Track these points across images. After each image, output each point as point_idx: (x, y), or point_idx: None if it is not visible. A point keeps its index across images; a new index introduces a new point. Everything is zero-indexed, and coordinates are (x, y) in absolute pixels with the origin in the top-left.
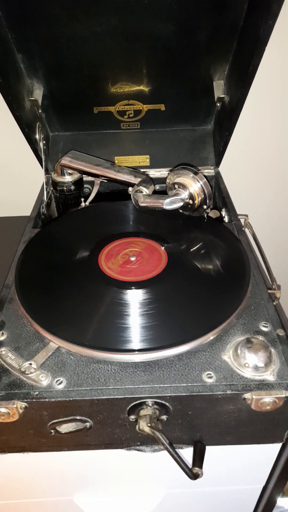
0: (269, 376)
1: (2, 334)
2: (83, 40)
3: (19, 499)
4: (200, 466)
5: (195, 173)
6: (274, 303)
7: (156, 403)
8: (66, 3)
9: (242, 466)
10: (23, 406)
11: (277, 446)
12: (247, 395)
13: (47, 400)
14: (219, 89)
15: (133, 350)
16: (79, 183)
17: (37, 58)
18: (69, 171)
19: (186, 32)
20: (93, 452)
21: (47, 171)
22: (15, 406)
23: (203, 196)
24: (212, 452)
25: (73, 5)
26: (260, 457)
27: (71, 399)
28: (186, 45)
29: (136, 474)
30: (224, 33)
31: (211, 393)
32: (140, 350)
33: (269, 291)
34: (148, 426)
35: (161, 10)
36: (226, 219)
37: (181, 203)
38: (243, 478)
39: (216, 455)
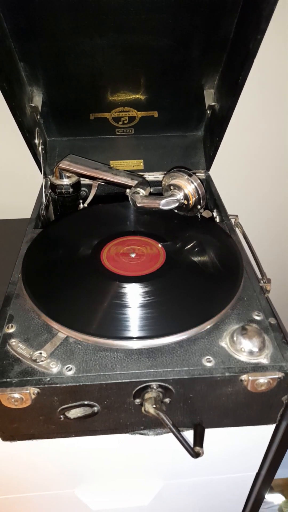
0: (263, 359)
1: (12, 326)
2: (83, 52)
3: (21, 493)
4: (201, 446)
5: (190, 175)
6: (266, 296)
7: (160, 386)
8: (69, 18)
9: (236, 452)
10: (36, 391)
11: (270, 430)
12: (243, 377)
13: (58, 385)
14: (209, 97)
15: (138, 338)
16: (77, 186)
17: (38, 68)
18: (68, 174)
19: (180, 45)
20: (95, 444)
21: (45, 175)
22: (28, 391)
23: (197, 196)
24: (207, 438)
25: (76, 20)
26: (254, 441)
27: (81, 383)
28: (179, 57)
29: (136, 466)
30: (215, 47)
31: (211, 375)
32: (143, 337)
33: (260, 284)
34: (153, 407)
35: (157, 26)
36: (217, 219)
37: (177, 204)
38: (238, 464)
39: (211, 441)
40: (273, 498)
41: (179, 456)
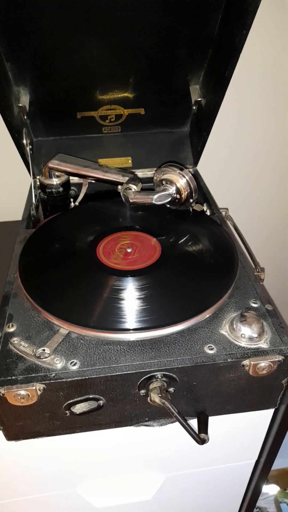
0: (263, 344)
1: (12, 325)
2: (71, 50)
3: (24, 496)
4: (206, 433)
5: (181, 169)
6: (261, 284)
7: (164, 375)
8: (56, 16)
9: (236, 439)
10: (42, 387)
11: (269, 415)
12: (245, 362)
13: (64, 380)
14: (195, 93)
15: (140, 329)
16: (66, 185)
17: (25, 67)
18: (57, 173)
19: (165, 42)
20: (99, 438)
21: (33, 175)
22: (34, 388)
23: (189, 190)
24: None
25: (63, 18)
26: (253, 427)
27: (86, 377)
28: (165, 54)
29: (138, 460)
30: (201, 43)
31: (214, 362)
32: (145, 329)
33: (254, 273)
34: (159, 396)
35: (143, 23)
36: (208, 213)
37: (169, 198)
38: (238, 452)
39: (212, 430)
40: (269, 489)
41: (180, 447)
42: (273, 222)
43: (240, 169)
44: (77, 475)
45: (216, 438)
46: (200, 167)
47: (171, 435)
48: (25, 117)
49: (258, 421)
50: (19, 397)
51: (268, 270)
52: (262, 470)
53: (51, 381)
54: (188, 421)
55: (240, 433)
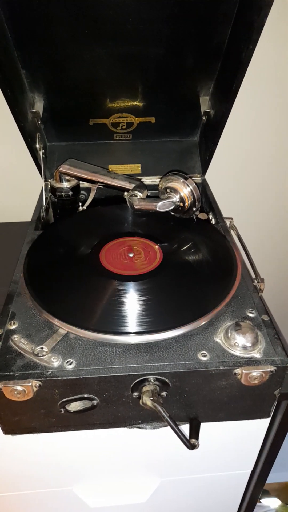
0: (256, 354)
1: (14, 323)
2: (83, 60)
3: (21, 490)
4: (197, 438)
5: (185, 178)
6: (259, 294)
7: (157, 379)
8: (68, 28)
9: (232, 448)
10: (38, 384)
11: (265, 425)
12: (237, 370)
13: (59, 378)
14: (205, 104)
15: (136, 333)
16: (76, 189)
17: (39, 75)
18: (67, 177)
19: (176, 54)
20: (94, 438)
21: (45, 179)
22: (30, 384)
23: (192, 199)
24: (203, 434)
25: (75, 29)
26: (249, 437)
27: (81, 376)
28: (175, 66)
29: (133, 462)
30: (210, 56)
31: (206, 369)
32: (141, 333)
33: (254, 283)
34: (151, 399)
35: (153, 35)
36: (213, 222)
37: (173, 206)
38: (233, 461)
39: (207, 438)
40: (270, 502)
41: (176, 452)
42: (278, 233)
43: (248, 180)
44: (74, 474)
45: (211, 446)
46: (208, 176)
47: (167, 439)
48: (39, 123)
49: (254, 431)
50: (15, 392)
51: (272, 281)
52: (258, 480)
53: (47, 378)
54: (180, 426)
55: (236, 442)
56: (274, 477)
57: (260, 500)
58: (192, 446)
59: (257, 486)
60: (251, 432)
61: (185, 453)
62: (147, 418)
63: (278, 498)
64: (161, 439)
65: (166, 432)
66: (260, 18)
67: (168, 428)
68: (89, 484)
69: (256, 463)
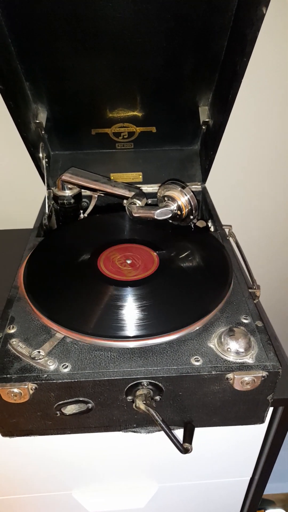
0: (249, 359)
1: (13, 327)
2: (84, 72)
3: (21, 494)
4: (190, 442)
5: (183, 187)
6: (255, 301)
7: (150, 383)
8: (70, 40)
9: (230, 456)
10: (34, 387)
11: (262, 432)
12: (229, 375)
13: (54, 381)
14: (204, 114)
15: (130, 338)
16: (78, 197)
17: (42, 86)
18: (69, 186)
19: (174, 66)
20: (90, 443)
21: (48, 187)
22: (26, 387)
23: (190, 207)
24: (201, 441)
25: (76, 42)
26: (246, 444)
27: (76, 380)
28: (174, 77)
29: (131, 467)
30: (207, 67)
31: (198, 373)
32: (136, 337)
33: (250, 290)
34: (144, 403)
35: (152, 47)
36: (212, 229)
37: (170, 214)
38: (231, 468)
39: (205, 445)
40: None
41: (174, 458)
42: (278, 241)
43: (247, 188)
44: (73, 479)
45: (209, 453)
46: (208, 184)
47: (165, 445)
48: (43, 132)
49: (251, 437)
50: (12, 395)
51: (271, 288)
52: (257, 488)
53: (43, 381)
54: (175, 430)
55: (234, 449)
56: (280, 487)
57: (266, 511)
58: (185, 450)
59: (256, 493)
60: (249, 439)
61: (183, 459)
62: (141, 422)
63: (284, 509)
64: (159, 444)
65: (163, 438)
66: (252, 32)
67: (163, 432)
68: (88, 489)
69: (255, 470)
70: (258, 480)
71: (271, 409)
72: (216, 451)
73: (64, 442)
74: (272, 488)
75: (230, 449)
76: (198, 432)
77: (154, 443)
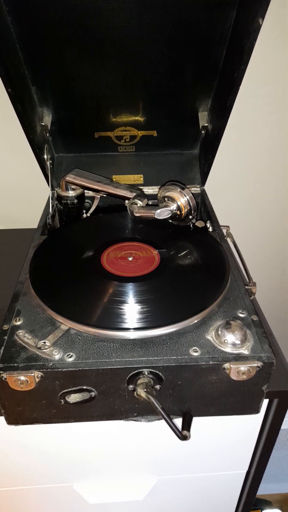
0: (245, 351)
1: (19, 319)
2: (88, 77)
3: (22, 485)
4: (188, 430)
5: (182, 188)
6: (251, 298)
7: (151, 372)
8: (75, 48)
9: (227, 448)
10: (39, 375)
11: (258, 424)
12: (226, 365)
13: (59, 370)
14: (203, 119)
15: (132, 329)
16: (81, 197)
17: (48, 91)
18: (73, 186)
19: (175, 73)
20: (93, 438)
21: (52, 187)
22: (32, 375)
23: (189, 208)
24: (199, 433)
25: (82, 49)
26: (243, 435)
27: (80, 369)
28: (175, 83)
29: (131, 458)
30: (207, 74)
31: (197, 363)
32: (137, 329)
33: (247, 287)
34: (145, 391)
35: (154, 55)
36: (210, 229)
37: (170, 214)
38: (228, 461)
39: (203, 437)
40: None
41: (173, 451)
42: (274, 240)
43: (245, 190)
44: (75, 471)
45: (206, 446)
46: (207, 187)
47: (164, 437)
48: (47, 135)
49: (247, 430)
50: (19, 382)
51: (268, 285)
52: (253, 481)
53: (48, 370)
54: (173, 419)
55: (230, 442)
56: (277, 488)
57: (262, 511)
58: (183, 437)
59: (252, 487)
60: (245, 431)
61: (181, 452)
62: (142, 411)
63: (280, 510)
64: (158, 437)
65: (162, 430)
66: (249, 42)
67: (163, 423)
68: (88, 481)
69: (251, 463)
70: (254, 473)
71: (266, 401)
72: (214, 443)
73: (65, 435)
74: (269, 489)
75: (228, 441)
76: (196, 424)
77: (154, 437)
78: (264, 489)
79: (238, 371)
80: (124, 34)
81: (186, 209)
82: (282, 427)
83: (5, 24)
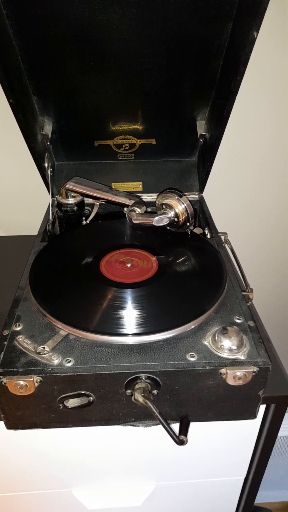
0: (241, 356)
1: (19, 325)
2: (88, 88)
3: (20, 491)
4: (185, 435)
5: (180, 196)
6: (248, 304)
7: (148, 377)
8: (76, 60)
9: (225, 454)
10: (39, 380)
11: (255, 430)
12: (222, 370)
13: (58, 374)
14: (201, 127)
15: (130, 334)
16: (81, 204)
17: (49, 101)
18: (73, 194)
19: (174, 83)
20: (91, 444)
21: (52, 195)
22: (32, 379)
23: (186, 215)
24: (197, 439)
25: (82, 61)
26: (241, 441)
27: (78, 373)
28: (174, 94)
29: (129, 463)
30: (204, 85)
31: (193, 368)
32: (135, 334)
33: (244, 293)
34: (142, 395)
35: (154, 67)
36: (208, 236)
37: (168, 221)
38: (226, 467)
39: (201, 443)
40: None
41: (171, 456)
42: (271, 247)
43: (243, 197)
44: (73, 476)
45: (204, 452)
46: (205, 194)
47: (162, 443)
48: (48, 143)
49: (245, 435)
50: (18, 387)
51: (266, 291)
52: (251, 487)
53: (47, 374)
54: (171, 424)
55: (229, 447)
56: (277, 495)
57: None
58: (180, 442)
59: (251, 493)
60: (243, 437)
61: (180, 458)
62: (140, 416)
63: None
64: (156, 443)
65: (160, 436)
66: (245, 54)
67: (161, 428)
68: (87, 487)
69: (249, 469)
70: (252, 479)
71: (264, 406)
72: (211, 449)
73: (64, 440)
74: (268, 497)
75: (225, 447)
76: (194, 430)
77: (152, 442)
78: (264, 497)
79: (235, 376)
80: (124, 47)
81: (183, 216)
82: (283, 434)
83: (7, 37)
